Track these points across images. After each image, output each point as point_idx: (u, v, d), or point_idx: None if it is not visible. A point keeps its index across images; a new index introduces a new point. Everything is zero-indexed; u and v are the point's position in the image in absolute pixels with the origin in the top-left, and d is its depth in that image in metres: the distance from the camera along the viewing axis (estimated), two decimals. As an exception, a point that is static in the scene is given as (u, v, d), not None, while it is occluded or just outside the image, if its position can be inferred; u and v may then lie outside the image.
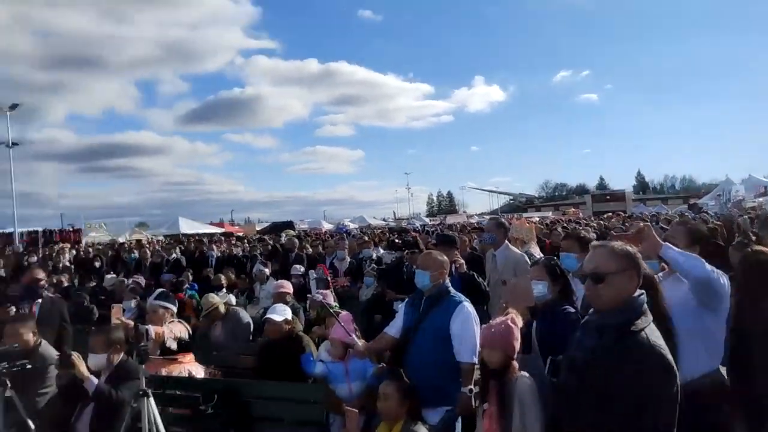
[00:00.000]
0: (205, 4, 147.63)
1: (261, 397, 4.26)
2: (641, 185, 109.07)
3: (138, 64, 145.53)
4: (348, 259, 9.80)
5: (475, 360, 3.38)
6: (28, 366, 3.88)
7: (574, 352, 2.33)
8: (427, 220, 53.53)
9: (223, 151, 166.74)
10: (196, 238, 24.30)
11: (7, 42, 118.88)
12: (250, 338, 6.30)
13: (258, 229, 42.91)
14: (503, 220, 6.56)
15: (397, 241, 7.50)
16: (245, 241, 20.65)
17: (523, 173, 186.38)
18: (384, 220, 56.35)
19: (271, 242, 15.80)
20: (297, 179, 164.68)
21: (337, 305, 6.18)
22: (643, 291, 2.26)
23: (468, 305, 3.60)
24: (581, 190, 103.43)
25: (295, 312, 5.60)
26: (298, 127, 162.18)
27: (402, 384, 3.33)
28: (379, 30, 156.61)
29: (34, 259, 14.93)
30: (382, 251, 10.85)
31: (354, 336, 4.10)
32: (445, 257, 3.80)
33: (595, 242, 2.66)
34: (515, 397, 2.77)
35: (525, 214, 45.02)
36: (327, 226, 41.94)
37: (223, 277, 8.73)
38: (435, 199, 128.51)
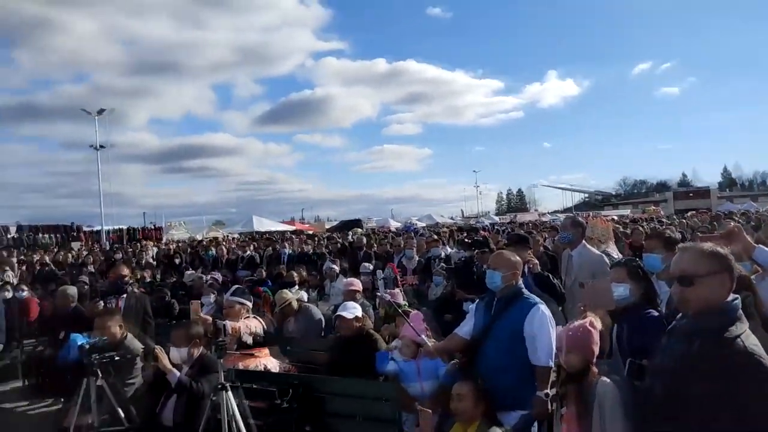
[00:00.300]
0: (278, 8, 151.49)
1: (335, 393, 4.30)
2: (728, 182, 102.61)
3: (215, 69, 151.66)
4: (416, 257, 9.77)
5: (552, 363, 3.27)
6: (116, 358, 4.12)
7: (661, 358, 2.21)
8: (496, 218, 52.74)
9: (295, 152, 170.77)
10: (267, 236, 25.05)
11: (97, 51, 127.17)
12: (322, 334, 6.42)
13: (327, 227, 43.65)
14: (580, 218, 6.31)
15: (467, 240, 7.39)
16: (316, 239, 21.05)
17: (599, 170, 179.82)
18: (452, 218, 55.90)
19: (340, 240, 16.02)
20: (364, 178, 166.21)
21: (406, 304, 6.18)
22: (738, 296, 2.11)
23: (543, 307, 3.50)
24: (662, 187, 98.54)
25: (364, 310, 5.64)
26: (365, 126, 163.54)
27: (476, 384, 3.28)
28: (449, 27, 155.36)
29: (120, 255, 15.85)
30: (450, 250, 10.77)
31: (424, 335, 4.08)
32: (518, 257, 3.70)
33: (682, 244, 2.51)
34: (595, 400, 2.66)
35: (602, 213, 43.37)
36: (395, 225, 42.10)
37: (295, 274, 8.91)
38: (505, 197, 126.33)
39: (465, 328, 3.77)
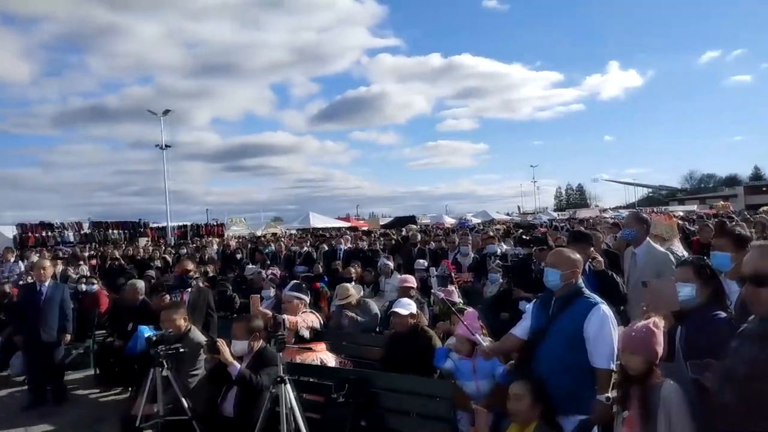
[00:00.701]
0: (334, 7, 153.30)
1: (390, 388, 4.33)
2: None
3: (273, 69, 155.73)
4: (472, 254, 9.69)
5: (613, 366, 3.15)
6: (182, 350, 4.28)
7: (731, 362, 2.11)
8: (555, 214, 51.46)
9: (350, 149, 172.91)
10: (320, 233, 25.39)
11: (161, 54, 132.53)
12: (377, 329, 6.48)
13: (382, 223, 43.86)
14: (644, 215, 6.07)
15: (524, 237, 7.25)
16: (372, 235, 21.19)
17: (663, 164, 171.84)
18: (508, 214, 55.04)
19: (395, 237, 16.06)
20: (419, 174, 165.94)
21: (461, 302, 6.14)
22: None
23: (605, 307, 3.34)
24: (732, 182, 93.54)
25: (419, 306, 5.65)
26: (420, 122, 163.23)
27: (534, 385, 3.22)
28: (505, 19, 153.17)
29: (184, 251, 16.45)
30: (506, 247, 10.61)
31: (479, 335, 4.04)
32: (578, 255, 3.56)
33: (755, 242, 2.38)
34: (660, 403, 2.56)
35: (667, 208, 41.60)
36: (449, 221, 41.84)
37: (353, 270, 9.01)
38: (564, 192, 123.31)
39: (521, 328, 3.67)
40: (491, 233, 11.70)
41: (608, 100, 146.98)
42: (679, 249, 6.00)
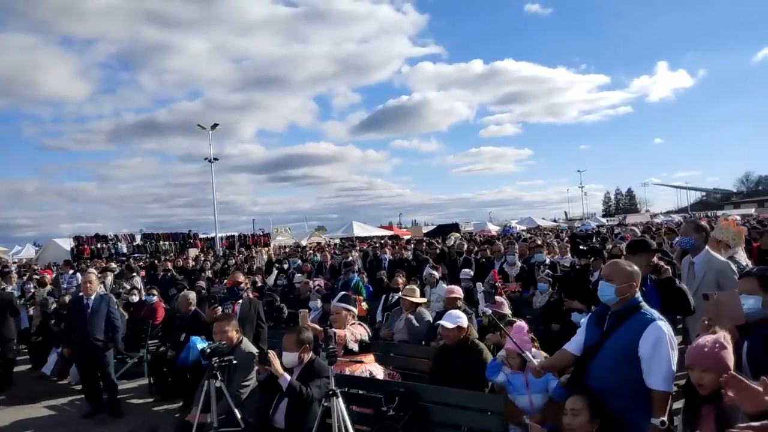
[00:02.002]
0: (376, 18, 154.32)
1: (440, 402, 4.28)
2: None
3: (315, 81, 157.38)
4: (519, 263, 9.52)
5: (670, 388, 3.00)
6: (234, 361, 4.34)
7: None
8: (603, 220, 50.22)
9: (392, 157, 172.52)
10: (356, 242, 25.40)
11: (208, 69, 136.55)
12: (422, 341, 6.44)
13: (424, 231, 43.72)
14: (703, 222, 5.83)
15: (582, 247, 7.07)
16: (424, 244, 21.13)
17: (716, 166, 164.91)
18: (554, 221, 54.06)
19: (440, 246, 15.96)
20: (461, 181, 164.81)
21: (510, 313, 6.04)
22: None
23: (663, 324, 3.12)
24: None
25: (467, 317, 5.58)
26: (462, 129, 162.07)
27: (592, 400, 3.11)
28: (548, 23, 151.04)
29: (233, 261, 16.77)
30: (556, 256, 10.40)
31: (528, 350, 3.95)
32: (636, 268, 3.33)
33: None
34: (738, 422, 2.44)
35: (721, 212, 40.01)
36: (493, 228, 41.37)
37: (400, 280, 8.99)
38: (612, 197, 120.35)
39: (575, 344, 3.48)
40: (539, 241, 11.47)
41: (657, 102, 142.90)
42: (743, 258, 5.73)
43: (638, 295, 3.27)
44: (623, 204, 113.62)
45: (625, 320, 3.19)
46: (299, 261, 14.97)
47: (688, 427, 2.65)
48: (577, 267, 7.26)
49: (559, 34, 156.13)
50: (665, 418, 2.96)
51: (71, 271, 14.69)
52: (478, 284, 6.86)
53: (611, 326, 3.24)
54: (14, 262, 28.17)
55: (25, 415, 7.01)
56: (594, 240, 10.16)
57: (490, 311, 5.00)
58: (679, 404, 3.67)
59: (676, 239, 6.59)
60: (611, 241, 11.20)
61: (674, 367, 3.01)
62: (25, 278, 15.24)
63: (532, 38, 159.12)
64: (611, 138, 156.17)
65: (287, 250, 23.13)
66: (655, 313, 3.19)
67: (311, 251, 20.55)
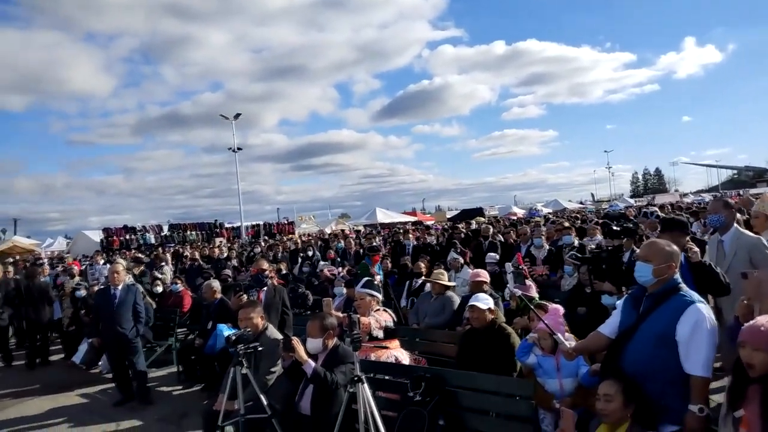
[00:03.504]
0: (394, 3, 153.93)
1: (468, 387, 4.21)
2: None
3: (336, 68, 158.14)
4: (546, 246, 9.36)
5: (709, 374, 2.87)
6: (260, 348, 4.32)
7: None
8: (631, 200, 49.31)
9: (414, 143, 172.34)
10: (370, 227, 25.32)
11: (229, 60, 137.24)
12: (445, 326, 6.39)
13: (448, 216, 43.49)
14: (729, 199, 5.61)
15: (615, 228, 6.88)
16: (444, 227, 21.00)
17: (748, 143, 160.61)
18: (581, 203, 53.24)
19: (464, 230, 15.81)
20: (484, 165, 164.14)
21: (538, 296, 5.92)
22: None
23: (703, 307, 2.98)
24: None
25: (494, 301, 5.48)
26: (484, 112, 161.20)
27: (626, 385, 2.99)
28: (572, 1, 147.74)
29: (258, 250, 16.87)
30: (599, 238, 10.19)
31: (560, 332, 3.84)
32: (675, 247, 3.17)
33: None
34: None
35: (753, 190, 38.86)
36: (518, 212, 40.94)
37: (422, 265, 8.92)
38: (641, 177, 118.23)
39: (609, 326, 3.35)
40: (566, 223, 11.26)
41: (685, 79, 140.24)
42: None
43: (677, 276, 3.12)
44: (652, 184, 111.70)
45: (663, 302, 3.05)
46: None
47: (731, 408, 2.52)
48: (609, 248, 7.07)
49: (583, 12, 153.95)
50: (704, 405, 2.83)
51: (102, 262, 14.95)
52: (507, 264, 6.74)
53: (648, 308, 3.10)
54: (47, 255, 28.83)
55: (59, 404, 7.15)
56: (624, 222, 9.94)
57: (520, 292, 4.88)
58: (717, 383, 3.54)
59: (706, 218, 6.38)
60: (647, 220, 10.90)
61: (714, 351, 2.88)
62: (58, 269, 15.55)
63: (556, 17, 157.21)
64: (638, 117, 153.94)
65: (312, 237, 23.16)
66: (695, 295, 3.04)
67: (333, 238, 20.60)
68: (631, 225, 8.07)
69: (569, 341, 3.81)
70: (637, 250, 6.01)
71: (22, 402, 7.38)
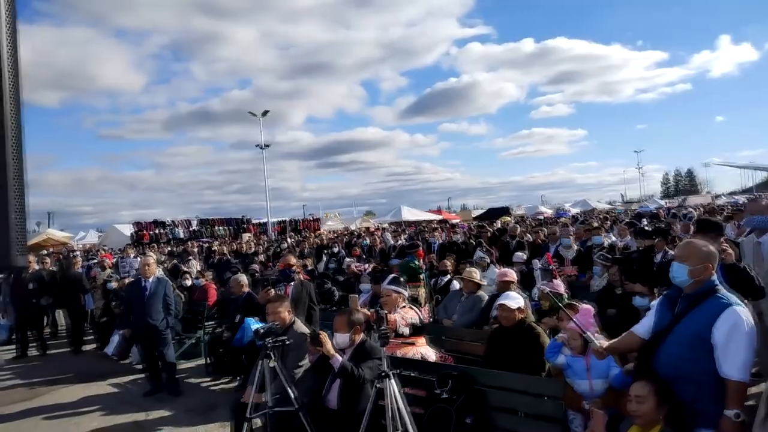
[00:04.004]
0: (422, 1, 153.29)
1: (496, 386, 4.17)
2: None
3: (363, 66, 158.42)
4: (575, 246, 9.23)
5: (747, 378, 2.79)
6: (288, 342, 4.35)
7: None
8: (662, 202, 48.34)
9: (440, 141, 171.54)
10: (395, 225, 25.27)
11: (257, 57, 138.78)
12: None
13: (474, 215, 43.24)
14: None
15: (647, 228, 6.76)
16: (470, 226, 20.90)
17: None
18: (610, 203, 52.43)
19: (491, 229, 15.71)
20: (511, 164, 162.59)
21: (567, 295, 5.84)
22: None
23: (740, 309, 2.88)
24: None
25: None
26: (512, 111, 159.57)
27: (659, 386, 2.94)
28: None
29: (285, 245, 17.02)
30: (614, 238, 10.03)
31: (591, 332, 3.78)
32: (712, 248, 3.09)
33: None
34: None
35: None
36: (546, 211, 40.50)
37: (449, 263, 8.88)
38: (672, 178, 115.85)
39: (643, 327, 3.28)
40: (595, 223, 11.10)
41: (719, 78, 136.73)
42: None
43: (714, 277, 3.04)
44: (683, 185, 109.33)
45: (699, 304, 2.97)
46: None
47: None
48: (641, 249, 6.95)
49: (614, 9, 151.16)
50: (740, 411, 2.76)
51: (133, 255, 15.26)
52: (535, 261, 6.67)
53: (683, 310, 3.03)
54: (79, 248, 29.53)
55: (92, 392, 7.33)
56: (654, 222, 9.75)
57: (548, 289, 4.82)
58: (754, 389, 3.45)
59: (744, 219, 6.21)
60: (679, 221, 10.67)
61: (751, 355, 2.80)
62: (91, 262, 15.93)
63: (586, 15, 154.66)
64: (669, 117, 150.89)
65: (338, 234, 23.29)
66: (732, 298, 2.96)
67: (358, 235, 20.66)
68: (663, 225, 7.91)
69: (600, 341, 3.76)
70: (669, 251, 5.93)
71: (57, 390, 7.58)
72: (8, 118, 1.17)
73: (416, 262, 8.08)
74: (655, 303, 3.35)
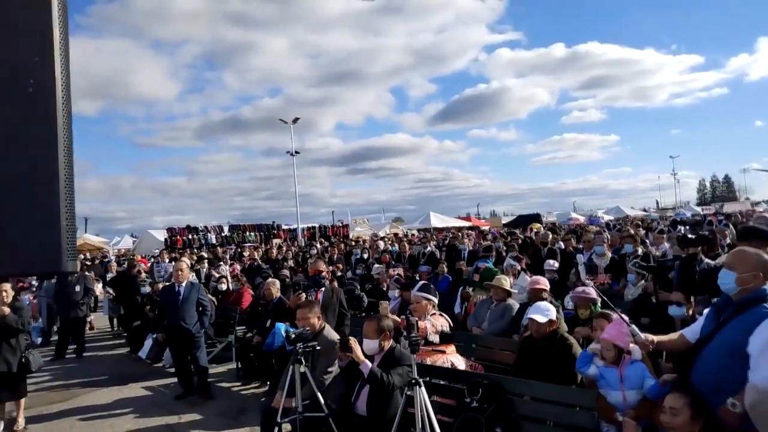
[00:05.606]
0: (452, 7, 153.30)
1: (527, 396, 4.13)
2: None
3: (392, 73, 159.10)
4: (609, 254, 9.06)
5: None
6: (318, 347, 4.38)
7: None
8: (698, 208, 47.18)
9: (469, 147, 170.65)
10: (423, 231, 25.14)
11: (288, 66, 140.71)
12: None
13: (504, 222, 42.84)
14: None
15: (690, 235, 6.57)
16: (500, 233, 20.75)
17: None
18: (644, 210, 51.36)
19: (522, 236, 15.55)
20: (542, 170, 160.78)
21: (599, 300, 5.74)
22: None
23: None
24: None
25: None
26: (542, 116, 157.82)
27: (694, 399, 2.87)
28: (635, 2, 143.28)
29: (314, 251, 17.13)
30: (650, 246, 9.83)
31: (624, 344, 3.70)
32: (766, 256, 2.99)
33: None
34: None
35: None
36: (578, 218, 39.88)
37: (476, 271, 8.82)
38: (708, 184, 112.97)
39: (692, 331, 3.22)
40: (631, 231, 10.89)
41: (758, 81, 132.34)
42: None
43: (766, 287, 2.92)
44: (720, 192, 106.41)
45: (742, 312, 2.89)
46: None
47: None
48: (683, 256, 6.78)
49: (647, 13, 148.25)
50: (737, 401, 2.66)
51: (167, 260, 15.56)
52: (579, 256, 6.54)
53: (727, 318, 2.96)
54: (114, 253, 30.25)
55: (125, 395, 7.48)
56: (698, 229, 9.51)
57: (593, 286, 4.69)
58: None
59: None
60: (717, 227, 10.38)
61: None
62: (125, 267, 16.29)
63: (618, 19, 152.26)
64: (705, 122, 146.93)
65: (366, 240, 23.34)
66: None
67: (386, 241, 20.68)
68: (707, 233, 7.69)
69: (634, 353, 3.68)
70: (705, 260, 5.78)
71: (92, 391, 7.77)
72: (61, 129, 1.22)
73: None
74: (707, 310, 3.25)
